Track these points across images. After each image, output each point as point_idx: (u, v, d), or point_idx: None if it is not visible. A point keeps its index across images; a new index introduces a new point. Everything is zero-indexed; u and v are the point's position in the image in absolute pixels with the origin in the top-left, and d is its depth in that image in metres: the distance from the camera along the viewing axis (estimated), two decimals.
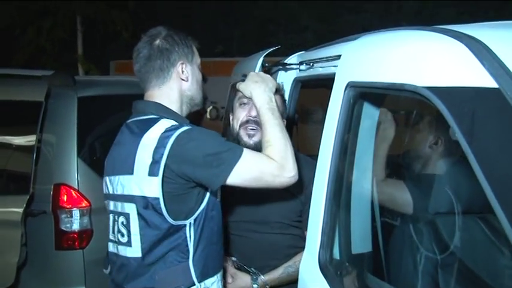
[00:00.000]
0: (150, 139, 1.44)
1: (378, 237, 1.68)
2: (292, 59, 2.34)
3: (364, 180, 1.63)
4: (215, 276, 1.57)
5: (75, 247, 2.83)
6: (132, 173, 1.46)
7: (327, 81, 1.91)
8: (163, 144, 1.41)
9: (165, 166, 1.41)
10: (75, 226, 2.80)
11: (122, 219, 1.51)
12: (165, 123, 1.48)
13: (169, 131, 1.44)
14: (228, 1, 11.56)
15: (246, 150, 1.48)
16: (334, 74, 1.61)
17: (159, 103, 1.57)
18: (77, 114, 2.96)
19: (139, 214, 1.45)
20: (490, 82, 0.96)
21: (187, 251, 1.48)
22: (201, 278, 1.50)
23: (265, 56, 2.55)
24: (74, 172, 2.87)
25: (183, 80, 1.62)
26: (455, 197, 1.61)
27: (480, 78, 0.98)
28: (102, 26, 8.98)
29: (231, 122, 1.92)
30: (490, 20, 1.45)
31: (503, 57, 0.99)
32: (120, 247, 1.53)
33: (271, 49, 2.54)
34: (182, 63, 1.61)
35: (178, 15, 11.68)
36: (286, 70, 2.40)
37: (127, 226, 1.48)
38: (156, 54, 1.57)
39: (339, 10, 10.56)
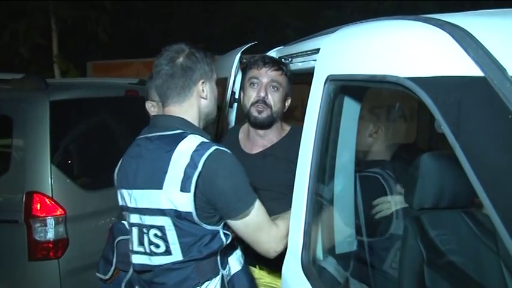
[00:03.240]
0: (181, 155, 1.47)
1: (362, 236, 1.64)
2: (271, 54, 2.31)
3: (347, 178, 1.58)
4: (231, 262, 1.65)
5: (50, 257, 2.73)
6: (161, 188, 1.47)
7: (307, 76, 1.90)
8: (196, 162, 1.44)
9: (196, 184, 1.44)
10: (50, 235, 2.70)
11: (154, 231, 1.53)
12: (194, 139, 1.51)
13: (200, 149, 1.47)
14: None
15: (259, 201, 1.54)
16: (313, 69, 1.57)
17: (183, 118, 1.60)
18: (49, 118, 2.85)
19: (175, 225, 1.49)
20: (475, 71, 0.90)
21: (220, 248, 1.55)
22: (223, 266, 1.59)
23: (244, 53, 2.53)
24: (47, 179, 2.77)
25: (202, 98, 1.65)
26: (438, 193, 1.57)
27: (465, 67, 0.92)
28: (78, 26, 8.81)
29: (242, 100, 2.11)
30: None
31: (488, 44, 0.93)
32: (154, 258, 1.55)
33: (248, 45, 2.53)
34: (203, 82, 1.64)
35: (157, 14, 11.57)
36: None
37: (163, 238, 1.51)
38: (179, 72, 1.59)
39: (319, 7, 10.56)
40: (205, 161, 1.44)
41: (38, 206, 2.70)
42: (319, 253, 1.54)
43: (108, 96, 3.37)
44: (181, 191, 1.44)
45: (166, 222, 1.49)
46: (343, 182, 1.58)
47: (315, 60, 1.63)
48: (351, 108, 1.50)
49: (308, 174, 1.47)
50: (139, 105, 3.73)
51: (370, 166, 1.81)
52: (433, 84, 0.96)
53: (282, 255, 1.61)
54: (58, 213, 2.74)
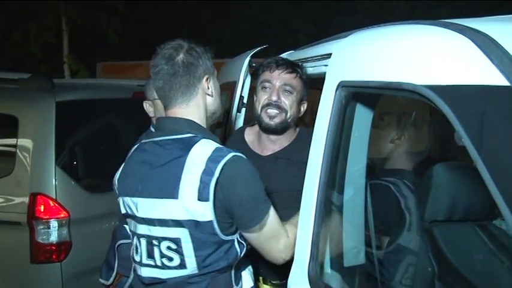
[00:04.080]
0: (196, 161, 1.38)
1: (372, 249, 1.58)
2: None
3: (357, 187, 1.52)
4: (244, 277, 1.59)
5: (53, 260, 2.68)
6: (176, 197, 1.38)
7: (317, 81, 1.87)
8: (212, 169, 1.36)
9: (214, 191, 1.37)
10: (53, 238, 2.65)
11: (167, 244, 1.44)
12: (208, 144, 1.43)
13: (216, 155, 1.39)
14: (219, 2, 11.50)
15: (272, 208, 1.49)
16: (325, 74, 1.53)
17: (191, 120, 1.50)
18: (55, 119, 2.81)
19: (192, 237, 1.40)
20: (500, 80, 0.85)
21: (236, 260, 1.49)
22: (236, 282, 1.53)
23: (254, 57, 2.49)
24: (51, 181, 2.72)
25: (208, 95, 1.56)
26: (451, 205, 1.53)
27: (488, 75, 0.87)
28: (89, 28, 8.84)
29: (254, 104, 2.00)
30: None
31: None
32: (166, 271, 1.47)
33: (258, 49, 2.49)
34: (207, 78, 1.54)
35: (168, 17, 11.60)
36: None
37: (177, 250, 1.43)
38: (182, 70, 1.48)
39: (331, 12, 10.52)
40: (223, 167, 1.36)
41: (42, 208, 2.66)
42: (327, 265, 1.49)
43: (115, 98, 3.33)
44: (199, 200, 1.36)
45: (182, 233, 1.40)
46: (354, 192, 1.52)
47: (326, 65, 1.58)
48: (363, 115, 1.45)
49: (317, 183, 1.43)
50: None
51: (387, 174, 1.74)
52: (453, 93, 0.90)
53: (285, 267, 1.56)
54: (62, 215, 2.69)
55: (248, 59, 2.48)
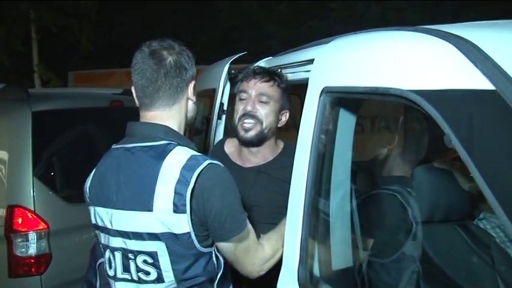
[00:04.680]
0: (170, 171, 1.31)
1: (358, 251, 1.60)
2: (260, 65, 2.25)
3: (343, 193, 1.53)
4: None
5: (32, 273, 2.63)
6: (151, 210, 1.31)
7: (297, 87, 1.86)
8: (187, 179, 1.30)
9: (190, 203, 1.30)
10: (32, 250, 2.60)
11: (143, 257, 1.37)
12: (182, 152, 1.35)
13: (191, 163, 1.32)
14: (192, 9, 11.47)
15: (248, 222, 1.44)
16: (306, 80, 1.53)
17: (168, 126, 1.41)
18: (31, 129, 2.76)
19: (169, 250, 1.34)
20: (485, 84, 0.88)
21: (214, 274, 1.43)
22: None
23: (230, 63, 2.48)
24: (29, 192, 2.67)
25: (190, 100, 1.49)
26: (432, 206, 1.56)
27: (473, 80, 0.90)
28: (60, 35, 8.66)
29: (233, 114, 1.96)
30: None
31: (496, 57, 0.91)
32: (143, 286, 1.40)
33: (238, 55, 2.48)
34: (194, 82, 1.48)
35: (139, 25, 11.48)
36: None
37: (155, 264, 1.36)
38: (173, 71, 1.40)
39: (302, 16, 10.60)
40: (198, 176, 1.30)
41: (20, 220, 2.60)
42: (316, 269, 1.49)
43: (92, 107, 3.29)
44: (174, 212, 1.29)
45: (159, 247, 1.33)
46: (340, 196, 1.53)
47: (307, 71, 1.59)
48: (347, 121, 1.46)
49: (304, 189, 1.43)
50: (125, 115, 3.68)
51: (389, 183, 1.74)
52: (441, 97, 0.93)
53: (266, 277, 1.54)
54: (40, 227, 2.64)
55: (228, 65, 2.47)
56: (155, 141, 1.38)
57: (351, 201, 1.56)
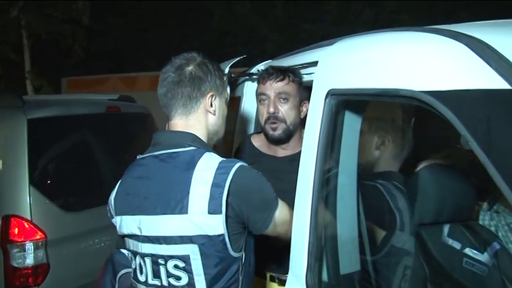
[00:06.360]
0: (203, 175, 1.36)
1: (365, 255, 1.57)
2: (260, 68, 2.25)
3: (350, 196, 1.51)
4: None
5: (29, 284, 2.56)
6: (186, 213, 1.35)
7: None
8: (221, 182, 1.35)
9: (226, 203, 1.35)
10: (29, 261, 2.54)
11: (174, 262, 1.39)
12: (212, 157, 1.41)
13: (223, 167, 1.38)
14: (185, 13, 11.44)
15: (279, 200, 1.50)
16: (309, 82, 1.52)
17: (195, 134, 1.48)
18: (27, 137, 2.71)
19: (202, 253, 1.37)
20: (500, 83, 0.86)
21: (238, 280, 1.45)
22: None
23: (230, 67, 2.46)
24: (25, 201, 2.61)
25: (210, 112, 1.53)
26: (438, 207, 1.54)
27: (488, 79, 0.88)
28: (53, 42, 8.61)
29: (258, 117, 2.09)
30: None
31: (509, 56, 0.89)
32: None
33: (237, 59, 2.46)
34: (212, 95, 1.52)
35: (132, 30, 11.43)
36: (253, 80, 2.33)
37: (186, 269, 1.38)
38: (187, 80, 1.47)
39: (297, 20, 10.61)
40: (232, 178, 1.35)
41: (16, 231, 2.54)
42: (325, 274, 1.47)
43: (89, 113, 3.25)
44: (209, 213, 1.33)
45: (191, 250, 1.36)
46: (347, 200, 1.51)
47: (310, 73, 1.57)
48: (353, 123, 1.45)
49: (311, 193, 1.42)
50: (122, 122, 3.66)
51: (376, 177, 1.75)
52: (455, 98, 0.91)
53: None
54: (38, 237, 2.59)
55: (227, 69, 2.45)
56: (183, 147, 1.43)
57: (358, 204, 1.55)
